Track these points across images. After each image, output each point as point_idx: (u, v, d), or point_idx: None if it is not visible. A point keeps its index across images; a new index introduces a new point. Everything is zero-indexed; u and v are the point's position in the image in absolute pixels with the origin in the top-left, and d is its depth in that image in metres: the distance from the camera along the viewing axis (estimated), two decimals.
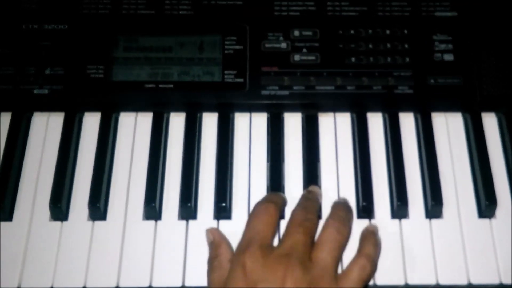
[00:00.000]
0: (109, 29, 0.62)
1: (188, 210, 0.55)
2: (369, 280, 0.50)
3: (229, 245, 0.52)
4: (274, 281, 0.46)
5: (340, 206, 0.53)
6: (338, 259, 0.49)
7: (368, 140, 0.59)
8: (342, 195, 0.56)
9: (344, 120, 0.60)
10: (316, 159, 0.58)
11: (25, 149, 0.59)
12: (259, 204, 0.52)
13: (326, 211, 0.55)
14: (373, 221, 0.55)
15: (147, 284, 0.53)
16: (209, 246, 0.52)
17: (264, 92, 0.59)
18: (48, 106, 0.60)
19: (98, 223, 0.55)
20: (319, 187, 0.57)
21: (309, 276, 0.46)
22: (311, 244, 0.49)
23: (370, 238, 0.52)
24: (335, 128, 0.60)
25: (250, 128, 0.60)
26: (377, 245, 0.52)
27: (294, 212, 0.52)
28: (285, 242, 0.49)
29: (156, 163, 0.57)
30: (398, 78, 0.60)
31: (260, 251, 0.47)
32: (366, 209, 0.55)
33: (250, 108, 0.60)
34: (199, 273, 0.53)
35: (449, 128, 0.60)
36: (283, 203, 0.54)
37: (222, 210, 0.55)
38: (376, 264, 0.51)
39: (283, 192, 0.56)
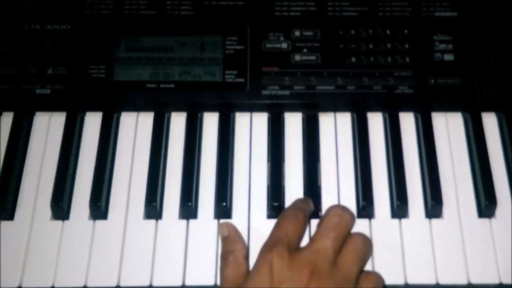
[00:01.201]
0: (110, 29, 0.62)
1: (188, 209, 0.55)
2: None
3: (244, 241, 0.52)
4: (299, 283, 0.46)
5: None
6: (362, 270, 0.50)
7: (368, 140, 0.59)
8: (342, 194, 0.57)
9: (344, 120, 0.60)
10: (317, 159, 0.58)
11: (27, 148, 0.59)
12: (289, 209, 0.52)
13: (324, 210, 0.56)
14: (373, 220, 0.55)
15: (147, 283, 0.53)
16: (222, 241, 0.52)
17: (264, 92, 0.60)
18: (50, 106, 0.60)
19: (99, 222, 0.56)
20: (319, 187, 0.57)
21: (333, 282, 0.46)
22: (340, 248, 0.49)
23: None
24: (335, 128, 0.60)
25: (250, 128, 0.60)
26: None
27: (329, 212, 0.51)
28: (314, 244, 0.48)
29: (157, 163, 0.57)
30: (398, 78, 0.60)
31: (288, 251, 0.47)
32: (366, 209, 0.55)
33: (251, 108, 0.61)
34: (199, 272, 0.53)
35: (449, 128, 0.60)
36: (311, 210, 0.54)
37: (223, 209, 0.55)
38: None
39: (283, 192, 0.57)
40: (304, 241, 0.51)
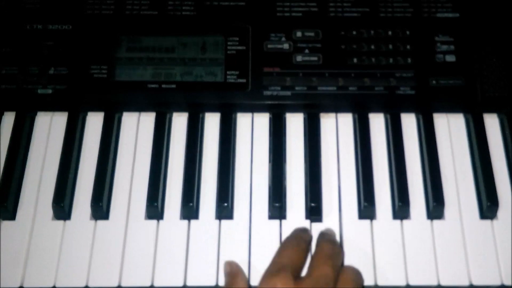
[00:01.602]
0: (112, 29, 0.62)
1: (190, 210, 0.55)
2: None
3: (244, 275, 0.52)
4: None
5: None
6: None
7: (369, 141, 0.59)
8: (343, 195, 0.57)
9: (346, 120, 0.60)
10: (318, 159, 0.58)
11: (29, 148, 0.59)
12: (291, 238, 0.52)
13: (325, 211, 0.56)
14: (374, 221, 0.55)
15: (149, 284, 0.53)
16: (225, 276, 0.53)
17: (266, 93, 0.60)
18: (52, 106, 0.60)
19: (101, 222, 0.56)
20: (320, 187, 0.57)
21: None
22: (337, 277, 0.50)
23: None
24: (336, 128, 0.60)
25: (252, 128, 0.60)
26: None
27: (322, 243, 0.52)
28: (314, 273, 0.49)
29: (158, 163, 0.57)
30: (400, 79, 0.60)
31: (292, 277, 0.48)
32: (368, 210, 0.55)
33: (252, 109, 0.61)
34: (200, 272, 0.53)
35: (450, 129, 0.60)
36: (311, 240, 0.54)
37: (224, 210, 0.55)
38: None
39: (285, 192, 0.57)
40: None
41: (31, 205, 0.56)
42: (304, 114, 0.61)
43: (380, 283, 0.53)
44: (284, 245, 0.52)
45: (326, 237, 0.53)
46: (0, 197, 0.55)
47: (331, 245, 0.51)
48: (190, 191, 0.56)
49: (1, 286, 0.53)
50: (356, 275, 0.51)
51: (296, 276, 0.49)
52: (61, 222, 0.56)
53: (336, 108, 0.60)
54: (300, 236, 0.53)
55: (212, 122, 0.60)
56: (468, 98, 0.59)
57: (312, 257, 0.51)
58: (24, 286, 0.53)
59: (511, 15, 0.62)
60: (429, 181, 0.56)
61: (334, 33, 0.62)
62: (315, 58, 0.61)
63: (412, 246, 0.54)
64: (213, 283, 0.53)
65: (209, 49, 0.61)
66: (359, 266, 0.52)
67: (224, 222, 0.56)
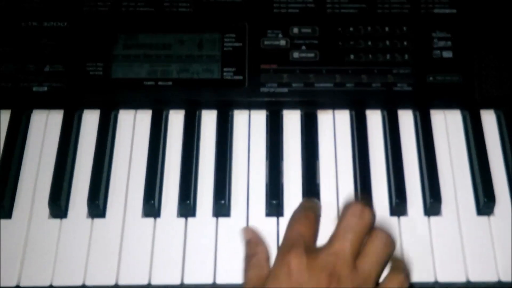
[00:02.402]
0: (108, 26, 0.62)
1: (187, 207, 0.55)
2: None
3: (265, 244, 0.51)
4: (318, 285, 0.45)
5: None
6: (381, 273, 0.49)
7: (367, 138, 0.59)
8: (340, 192, 0.57)
9: (343, 117, 0.60)
10: (315, 156, 0.58)
11: (25, 146, 0.59)
12: (298, 211, 0.51)
13: (323, 208, 0.56)
14: None
15: (146, 282, 0.53)
16: (246, 244, 0.52)
17: (263, 89, 0.59)
18: (48, 104, 0.60)
19: (97, 220, 0.55)
20: (318, 184, 0.57)
21: (352, 285, 0.46)
22: (358, 250, 0.48)
23: (399, 259, 0.51)
24: (334, 125, 0.60)
25: (249, 126, 0.60)
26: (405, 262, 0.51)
27: (348, 210, 0.49)
28: (333, 246, 0.47)
29: (155, 161, 0.57)
30: (397, 76, 0.60)
31: (306, 252, 0.47)
32: None
33: (249, 106, 0.60)
34: (198, 270, 0.53)
35: (448, 125, 0.60)
36: (319, 209, 0.53)
37: (221, 207, 0.55)
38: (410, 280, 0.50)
39: (282, 189, 0.57)
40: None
41: (27, 204, 0.56)
42: (301, 111, 0.61)
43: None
44: (292, 220, 0.50)
45: (351, 209, 0.50)
46: None
47: (357, 214, 0.49)
48: (187, 188, 0.56)
49: None
50: (383, 243, 0.48)
51: (310, 249, 0.48)
52: (57, 220, 0.55)
53: (333, 104, 0.60)
54: (307, 207, 0.52)
55: (209, 119, 0.60)
56: (465, 95, 0.59)
57: (335, 228, 0.49)
58: (21, 285, 0.53)
59: (508, 11, 0.62)
60: (426, 178, 0.56)
61: (331, 30, 0.62)
62: (312, 55, 0.61)
63: (409, 243, 0.54)
64: (210, 281, 0.53)
65: (206, 46, 0.61)
66: None
67: (222, 219, 0.55)
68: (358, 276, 0.46)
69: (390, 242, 0.49)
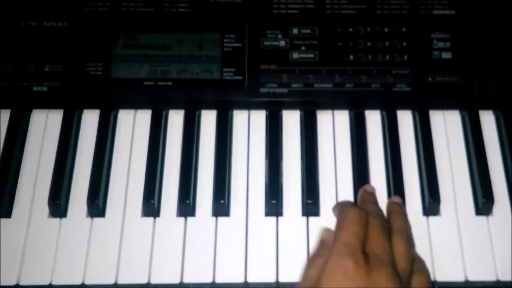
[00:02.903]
0: (108, 26, 0.62)
1: (186, 207, 0.55)
2: None
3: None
4: None
5: (396, 217, 0.53)
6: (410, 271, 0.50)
7: (366, 138, 0.59)
8: (340, 192, 0.57)
9: (342, 117, 0.60)
10: (315, 156, 0.58)
11: (24, 146, 0.59)
12: (354, 209, 0.51)
13: (322, 208, 0.56)
14: None
15: (145, 281, 0.53)
16: (318, 243, 0.52)
17: (262, 90, 0.60)
18: (47, 103, 0.60)
19: (97, 220, 0.55)
20: (317, 184, 0.57)
21: (402, 286, 0.47)
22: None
23: (420, 259, 0.52)
24: (333, 125, 0.60)
25: (248, 126, 0.60)
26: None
27: (371, 218, 0.50)
28: (376, 249, 0.48)
29: (154, 160, 0.57)
30: (396, 76, 0.60)
31: (363, 257, 0.47)
32: None
33: (249, 106, 0.61)
34: (197, 269, 0.53)
35: (447, 125, 0.60)
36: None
37: (221, 207, 0.55)
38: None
39: (281, 189, 0.57)
40: None
41: (27, 203, 0.56)
42: (301, 111, 0.61)
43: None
44: (347, 218, 0.50)
45: (371, 209, 0.52)
46: None
47: (380, 219, 0.50)
48: (187, 188, 0.56)
49: None
50: (408, 240, 0.50)
51: (365, 253, 0.48)
52: (57, 219, 0.56)
53: (333, 105, 0.60)
54: (358, 212, 0.50)
55: (208, 119, 0.60)
56: (464, 95, 0.60)
57: (367, 232, 0.49)
58: (21, 283, 0.53)
59: (507, 12, 0.62)
60: (425, 178, 0.56)
61: (331, 30, 0.62)
62: (311, 55, 0.61)
63: None
64: (209, 280, 0.53)
65: (206, 46, 0.61)
66: None
67: (221, 219, 0.56)
68: (401, 276, 0.47)
69: (412, 240, 0.51)
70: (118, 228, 0.55)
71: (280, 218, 0.56)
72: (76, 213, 0.56)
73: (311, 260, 0.50)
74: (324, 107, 0.60)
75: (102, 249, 0.54)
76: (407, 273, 0.48)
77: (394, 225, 0.52)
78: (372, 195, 0.55)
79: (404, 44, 0.61)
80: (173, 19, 0.62)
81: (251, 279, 0.53)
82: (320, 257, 0.49)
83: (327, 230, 0.52)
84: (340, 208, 0.52)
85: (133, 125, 0.60)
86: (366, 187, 0.56)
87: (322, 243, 0.52)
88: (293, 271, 0.52)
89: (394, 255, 0.49)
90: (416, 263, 0.50)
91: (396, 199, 0.55)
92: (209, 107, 0.61)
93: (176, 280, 0.53)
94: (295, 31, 0.62)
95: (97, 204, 0.55)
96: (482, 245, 0.54)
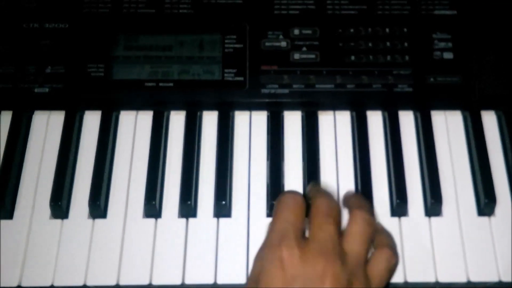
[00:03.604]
0: (109, 28, 0.62)
1: (188, 208, 0.55)
2: (394, 271, 0.49)
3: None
4: (314, 276, 0.43)
5: (360, 196, 0.52)
6: (369, 250, 0.48)
7: (367, 139, 0.59)
8: (341, 193, 0.57)
9: (343, 118, 0.60)
10: (316, 157, 0.58)
11: (26, 147, 0.59)
12: (287, 195, 0.49)
13: None
14: None
15: (147, 282, 0.53)
16: (266, 233, 0.49)
17: (264, 91, 0.60)
18: (49, 105, 0.60)
19: (98, 221, 0.56)
20: (319, 185, 0.56)
21: (347, 270, 0.44)
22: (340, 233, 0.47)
23: (383, 231, 0.51)
24: (334, 126, 0.60)
25: (250, 127, 0.60)
26: (391, 237, 0.51)
27: (316, 200, 0.48)
28: (318, 234, 0.46)
29: (156, 161, 0.57)
30: (397, 77, 0.60)
31: (297, 243, 0.45)
32: None
33: (250, 107, 0.61)
34: (198, 271, 0.53)
35: (448, 126, 0.60)
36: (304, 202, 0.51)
37: (222, 208, 0.55)
38: (397, 254, 0.50)
39: (283, 190, 0.56)
40: None
41: (28, 204, 0.56)
42: (302, 112, 0.61)
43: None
44: (280, 207, 0.48)
45: (318, 192, 0.50)
46: None
47: (327, 201, 0.48)
48: (188, 189, 0.56)
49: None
50: (364, 222, 0.47)
51: (301, 239, 0.46)
52: (58, 221, 0.56)
53: (334, 105, 0.60)
54: (291, 197, 0.49)
55: (210, 120, 0.60)
56: (465, 96, 0.59)
57: (310, 216, 0.48)
58: (22, 285, 0.53)
59: (509, 12, 0.62)
60: (427, 178, 0.56)
61: (332, 31, 0.62)
62: (312, 56, 0.61)
63: (410, 243, 0.54)
64: (211, 281, 0.53)
65: (207, 47, 0.61)
66: None
67: (222, 220, 0.56)
68: (349, 259, 0.45)
69: (369, 219, 0.48)
70: (119, 229, 0.55)
71: None
72: (78, 214, 0.56)
73: (258, 251, 0.48)
74: (325, 107, 0.60)
75: (104, 250, 0.54)
76: (359, 253, 0.46)
77: (350, 202, 0.50)
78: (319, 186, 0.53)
79: (405, 44, 0.61)
80: (174, 20, 0.62)
81: None
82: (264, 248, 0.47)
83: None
84: (278, 197, 0.50)
85: (135, 126, 0.60)
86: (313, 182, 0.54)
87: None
88: None
89: (346, 235, 0.46)
90: (378, 237, 0.48)
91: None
92: (210, 108, 0.61)
93: (178, 281, 0.53)
94: (296, 31, 0.62)
95: (98, 205, 0.55)
96: (484, 245, 0.54)
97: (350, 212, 0.49)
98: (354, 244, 0.46)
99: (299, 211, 0.48)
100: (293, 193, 0.49)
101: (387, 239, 0.50)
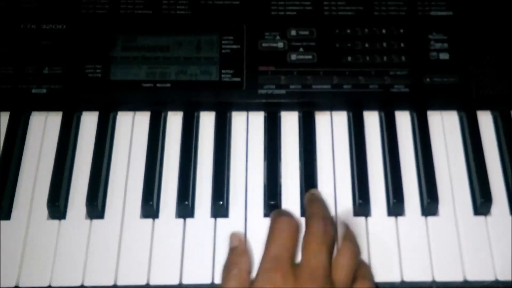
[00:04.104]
0: (107, 28, 0.62)
1: (185, 208, 0.55)
2: None
3: (251, 257, 0.49)
4: None
5: (348, 225, 0.51)
6: (351, 281, 0.48)
7: (364, 139, 0.59)
8: (338, 193, 0.57)
9: (340, 118, 0.60)
10: (313, 157, 0.58)
11: (23, 148, 0.59)
12: (283, 219, 0.49)
13: None
14: (369, 218, 0.56)
15: (144, 282, 0.53)
16: (230, 250, 0.50)
17: (261, 91, 0.60)
18: (46, 106, 0.60)
19: (96, 221, 0.56)
20: (316, 185, 0.57)
21: None
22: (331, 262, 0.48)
23: (364, 263, 0.51)
24: (331, 126, 0.60)
25: (247, 127, 0.60)
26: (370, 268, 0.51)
27: (312, 223, 0.48)
28: (310, 261, 0.46)
29: (153, 162, 0.57)
30: (394, 77, 0.60)
31: (292, 270, 0.45)
32: (363, 207, 0.55)
33: (247, 107, 0.61)
34: (196, 271, 0.53)
35: (444, 126, 0.60)
36: (299, 226, 0.51)
37: (220, 208, 0.55)
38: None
39: (280, 190, 0.57)
40: None
41: (26, 205, 0.56)
42: (299, 113, 0.61)
43: (375, 279, 0.53)
44: (275, 230, 0.48)
45: (315, 208, 0.50)
46: None
47: (323, 227, 0.48)
48: (186, 189, 0.56)
49: None
50: (352, 253, 0.48)
51: (295, 265, 0.46)
52: (56, 221, 0.56)
53: (331, 106, 0.61)
54: (288, 221, 0.49)
55: (207, 121, 0.60)
56: (462, 96, 0.60)
57: (305, 240, 0.48)
58: (20, 285, 0.53)
59: (505, 13, 0.62)
60: (423, 178, 0.56)
61: (329, 32, 0.62)
62: (309, 57, 0.61)
63: (406, 243, 0.54)
64: (208, 281, 0.53)
65: (204, 48, 0.61)
66: None
67: (220, 220, 0.56)
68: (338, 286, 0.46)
69: (357, 251, 0.49)
70: (117, 229, 0.55)
71: None
72: (75, 214, 0.56)
73: (226, 271, 0.48)
74: (322, 108, 0.61)
75: (101, 250, 0.54)
76: (346, 283, 0.47)
77: (345, 230, 0.51)
78: (317, 194, 0.53)
79: (402, 45, 0.61)
80: (172, 21, 0.62)
81: None
82: (236, 266, 0.48)
83: (235, 235, 0.51)
84: (272, 217, 0.49)
85: (132, 127, 0.60)
86: (312, 191, 0.54)
87: (233, 250, 0.50)
88: None
89: (335, 265, 0.47)
90: (360, 269, 0.49)
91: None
92: (207, 108, 0.61)
93: (175, 281, 0.53)
94: (293, 32, 0.62)
95: (96, 206, 0.55)
96: (481, 245, 0.54)
97: (341, 242, 0.49)
98: (341, 275, 0.47)
99: (294, 236, 0.48)
100: (288, 217, 0.49)
101: (367, 271, 0.50)
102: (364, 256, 0.53)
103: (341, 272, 0.47)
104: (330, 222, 0.49)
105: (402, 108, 0.60)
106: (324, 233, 0.48)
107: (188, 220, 0.56)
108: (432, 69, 0.60)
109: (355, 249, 0.49)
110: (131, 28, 0.62)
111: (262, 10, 0.63)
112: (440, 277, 0.53)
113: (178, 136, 0.60)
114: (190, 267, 0.53)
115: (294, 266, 0.46)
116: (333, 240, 0.49)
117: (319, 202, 0.52)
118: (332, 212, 0.56)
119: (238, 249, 0.50)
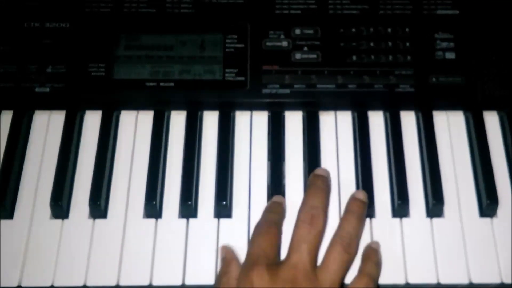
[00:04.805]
0: (110, 27, 0.62)
1: (188, 208, 0.55)
2: None
3: (239, 263, 0.51)
4: None
5: (350, 217, 0.52)
6: (344, 277, 0.50)
7: (369, 139, 0.58)
8: (342, 193, 0.56)
9: (345, 118, 0.60)
10: (317, 157, 0.58)
11: (26, 147, 0.59)
12: (261, 225, 0.52)
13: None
14: (374, 219, 0.55)
15: (147, 282, 0.53)
16: (221, 261, 0.52)
17: (265, 91, 0.59)
18: (50, 104, 0.60)
19: (99, 221, 0.55)
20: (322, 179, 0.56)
21: None
22: (316, 258, 0.49)
23: (373, 257, 0.51)
24: (336, 126, 0.60)
25: (251, 127, 0.60)
26: (379, 264, 0.52)
27: (298, 224, 0.51)
28: (290, 259, 0.49)
29: (156, 162, 0.57)
30: (399, 77, 0.60)
31: (267, 269, 0.48)
32: (367, 208, 0.55)
33: (251, 107, 0.60)
34: (199, 271, 0.53)
35: (450, 126, 0.60)
36: (283, 217, 0.54)
37: (223, 208, 0.55)
38: (377, 283, 0.51)
39: (284, 190, 0.56)
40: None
41: (29, 204, 0.56)
42: (303, 112, 0.60)
43: (379, 281, 0.52)
44: (255, 235, 0.51)
45: (302, 216, 0.51)
46: None
47: (307, 226, 0.50)
48: (189, 189, 0.56)
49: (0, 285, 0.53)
50: (343, 250, 0.49)
51: (271, 264, 0.48)
52: (59, 221, 0.55)
53: (336, 106, 0.60)
54: (269, 219, 0.52)
55: (210, 120, 0.60)
56: (468, 96, 0.59)
57: (291, 236, 0.50)
58: (22, 285, 0.53)
59: (510, 12, 0.62)
60: (429, 179, 0.56)
61: (333, 31, 0.61)
62: (314, 56, 0.61)
63: (411, 244, 0.54)
64: (211, 282, 0.53)
65: (208, 47, 0.61)
66: (357, 264, 0.52)
67: (223, 220, 0.55)
68: (321, 286, 0.47)
69: (349, 247, 0.50)
70: (120, 229, 0.55)
71: None
72: (78, 214, 0.56)
73: (218, 280, 0.51)
74: (327, 108, 0.60)
75: (104, 250, 0.54)
76: (333, 281, 0.48)
77: (340, 227, 0.51)
78: (322, 178, 0.54)
79: (407, 44, 0.61)
80: (175, 20, 0.62)
81: None
82: (225, 275, 0.50)
83: (223, 247, 0.53)
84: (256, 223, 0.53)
85: (135, 126, 0.60)
86: (317, 171, 0.55)
87: (223, 260, 0.52)
88: None
89: (322, 262, 0.48)
90: (365, 264, 0.50)
91: (359, 194, 0.53)
92: (211, 108, 0.60)
93: (178, 282, 0.53)
94: (297, 31, 0.62)
95: (99, 206, 0.55)
96: (486, 247, 0.54)
97: (331, 240, 0.51)
98: (328, 273, 0.48)
99: (273, 239, 0.51)
100: (268, 222, 0.52)
101: (370, 267, 0.51)
102: None
103: (328, 269, 0.48)
104: (317, 222, 0.50)
105: (407, 108, 0.60)
106: (307, 233, 0.49)
107: (191, 220, 0.55)
108: (438, 69, 0.60)
109: (348, 244, 0.50)
110: (134, 27, 0.62)
111: (266, 9, 0.62)
112: (445, 279, 0.53)
113: (182, 135, 0.59)
114: (193, 268, 0.53)
115: (273, 266, 0.48)
116: (318, 239, 0.50)
117: (315, 190, 0.53)
118: (336, 215, 0.55)
119: (226, 259, 0.52)
